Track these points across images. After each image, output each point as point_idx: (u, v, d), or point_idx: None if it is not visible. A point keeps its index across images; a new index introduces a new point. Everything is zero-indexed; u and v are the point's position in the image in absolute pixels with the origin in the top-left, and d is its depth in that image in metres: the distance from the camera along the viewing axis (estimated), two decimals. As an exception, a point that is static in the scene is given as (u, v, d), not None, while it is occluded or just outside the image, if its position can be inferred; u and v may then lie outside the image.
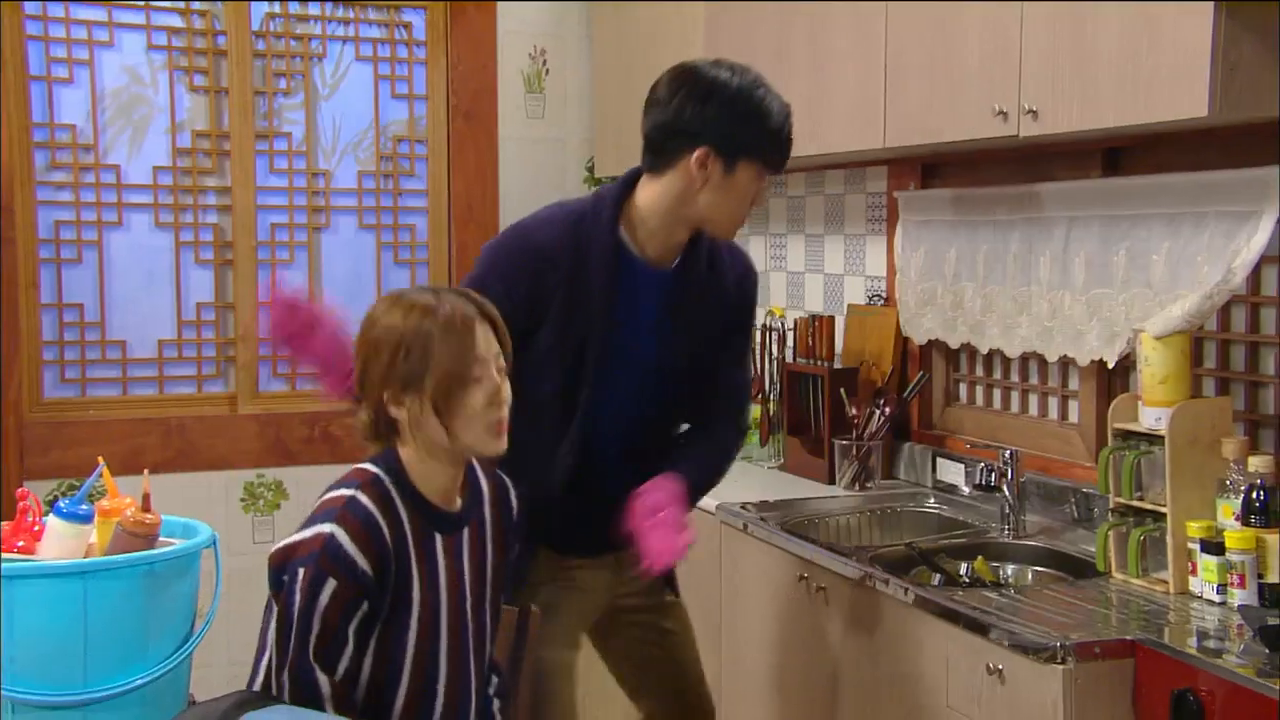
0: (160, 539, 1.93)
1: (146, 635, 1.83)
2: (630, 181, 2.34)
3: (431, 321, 1.91)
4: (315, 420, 4.17)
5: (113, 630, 1.80)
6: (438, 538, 1.96)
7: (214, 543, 1.95)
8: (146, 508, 1.91)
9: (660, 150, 2.28)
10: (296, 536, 1.85)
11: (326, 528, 1.83)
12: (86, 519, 1.88)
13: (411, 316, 1.91)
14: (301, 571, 1.82)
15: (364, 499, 1.87)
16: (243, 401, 4.17)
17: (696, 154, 2.24)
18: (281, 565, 1.85)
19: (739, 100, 2.28)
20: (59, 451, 3.92)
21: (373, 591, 1.86)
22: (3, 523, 1.99)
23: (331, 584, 1.81)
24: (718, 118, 2.25)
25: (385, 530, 1.87)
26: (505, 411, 1.96)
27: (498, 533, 2.08)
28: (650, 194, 2.30)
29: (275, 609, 1.88)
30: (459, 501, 2.01)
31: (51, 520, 1.88)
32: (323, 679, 1.83)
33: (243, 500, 4.14)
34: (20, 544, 1.91)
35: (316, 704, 1.82)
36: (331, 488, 1.92)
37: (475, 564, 2.02)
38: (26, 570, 1.79)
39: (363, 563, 1.84)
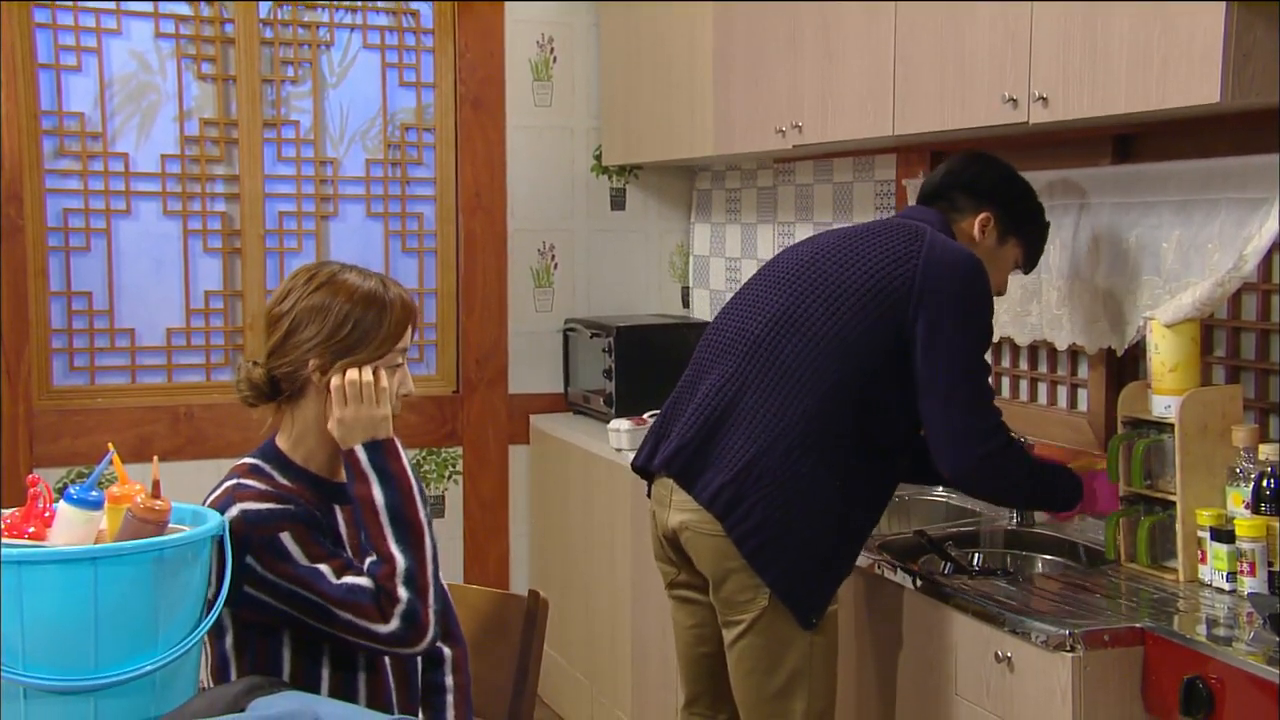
0: (170, 526, 1.93)
1: (157, 621, 1.83)
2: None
3: (383, 300, 1.96)
4: (323, 408, 4.17)
5: (123, 616, 1.80)
6: (337, 510, 2.01)
7: (224, 530, 1.95)
8: (156, 494, 1.91)
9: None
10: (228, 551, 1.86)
11: (233, 512, 1.88)
12: (97, 505, 1.87)
13: (363, 291, 1.95)
14: (252, 558, 1.86)
15: (247, 481, 1.93)
16: (251, 389, 4.17)
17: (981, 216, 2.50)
18: (234, 580, 1.86)
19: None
20: (69, 439, 3.93)
21: (313, 518, 1.91)
22: (14, 509, 1.99)
23: (285, 535, 1.87)
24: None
25: (281, 492, 1.92)
26: (397, 406, 1.99)
27: None
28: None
29: (225, 629, 1.94)
30: (344, 473, 2.02)
31: (62, 507, 1.88)
32: (362, 580, 1.88)
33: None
34: (31, 530, 1.91)
35: (381, 596, 1.86)
36: (212, 492, 1.96)
37: None
38: (37, 556, 1.79)
39: (282, 506, 1.89)
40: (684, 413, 2.45)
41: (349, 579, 1.88)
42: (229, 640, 1.96)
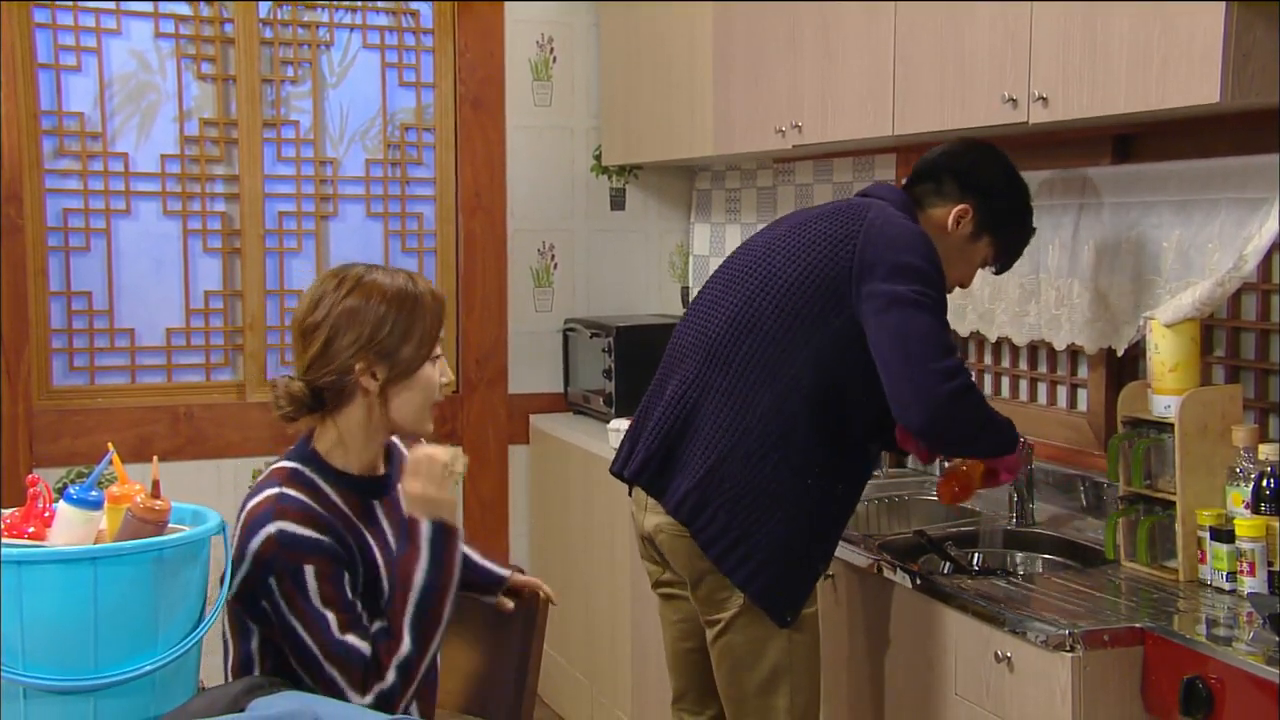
0: (169, 525, 1.93)
1: (156, 621, 1.83)
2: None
3: (415, 296, 1.96)
4: (323, 408, 4.17)
5: (123, 616, 1.80)
6: (375, 504, 2.00)
7: (223, 530, 1.95)
8: (156, 494, 1.91)
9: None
10: (246, 558, 1.87)
11: (271, 528, 1.86)
12: (97, 505, 1.87)
13: (394, 289, 1.95)
14: (274, 580, 1.85)
15: (290, 491, 1.91)
16: (251, 389, 4.17)
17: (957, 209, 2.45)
18: (252, 590, 1.87)
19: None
20: (68, 439, 3.93)
21: (342, 557, 1.89)
22: (13, 509, 1.99)
23: (309, 569, 1.85)
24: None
25: (321, 510, 1.91)
26: (441, 395, 2.01)
27: None
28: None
29: (250, 630, 1.93)
30: (383, 466, 2.04)
31: (62, 506, 1.88)
32: (361, 644, 1.87)
33: (251, 488, 4.15)
34: (31, 530, 1.91)
35: (371, 670, 1.86)
36: (250, 496, 1.94)
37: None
38: (36, 556, 1.80)
39: (318, 536, 1.87)
40: (651, 418, 2.46)
41: (350, 638, 1.87)
42: (254, 642, 1.95)
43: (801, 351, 2.30)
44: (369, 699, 1.86)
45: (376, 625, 1.91)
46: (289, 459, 1.99)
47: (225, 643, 2.00)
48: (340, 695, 1.86)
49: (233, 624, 1.96)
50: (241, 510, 1.94)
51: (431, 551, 1.92)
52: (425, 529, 1.93)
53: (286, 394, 1.96)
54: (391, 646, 1.89)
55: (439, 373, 2.00)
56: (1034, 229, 2.57)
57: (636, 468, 2.45)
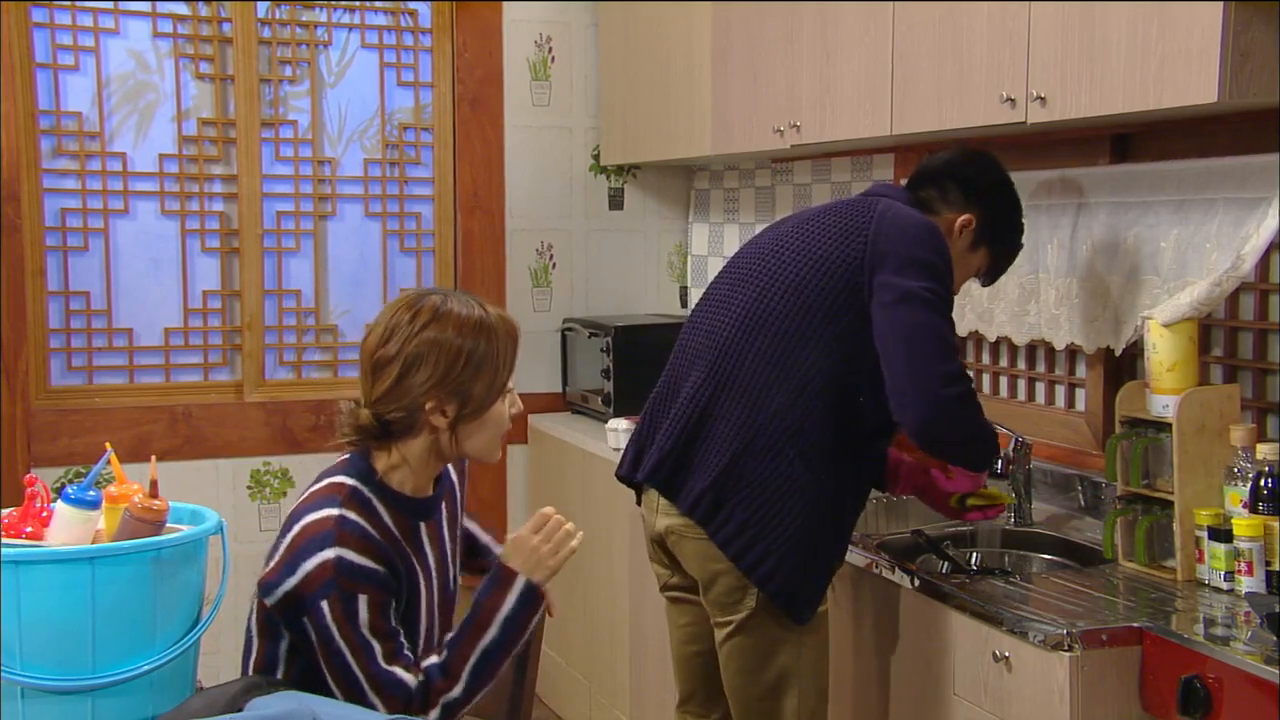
0: (167, 525, 1.93)
1: (154, 621, 1.83)
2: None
3: (489, 332, 1.92)
4: (321, 408, 4.17)
5: (121, 616, 1.80)
6: (422, 527, 1.99)
7: (221, 529, 1.95)
8: (154, 494, 1.91)
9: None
10: (298, 575, 1.84)
11: (330, 554, 1.83)
12: (95, 505, 1.87)
13: (471, 322, 1.90)
14: (326, 604, 1.82)
15: (351, 515, 1.88)
16: (249, 389, 4.17)
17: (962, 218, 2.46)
18: (297, 605, 1.85)
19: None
20: (66, 439, 3.93)
21: (393, 586, 1.88)
22: (11, 509, 1.99)
23: (363, 599, 1.83)
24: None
25: (378, 535, 1.89)
26: (510, 425, 2.00)
27: (453, 504, 2.11)
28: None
29: (281, 633, 1.92)
30: (431, 488, 2.02)
31: (59, 506, 1.88)
32: (406, 676, 1.86)
33: (249, 488, 4.15)
34: (29, 530, 1.91)
35: (414, 701, 1.85)
36: (309, 509, 1.90)
37: (450, 538, 2.07)
38: (34, 556, 1.80)
39: (375, 566, 1.85)
40: (663, 421, 2.45)
41: (396, 669, 1.86)
42: (284, 645, 1.93)
43: (814, 346, 2.30)
44: (393, 708, 1.85)
45: (433, 660, 1.90)
46: (348, 475, 1.94)
47: (249, 639, 1.98)
48: (365, 703, 1.85)
49: (262, 624, 1.94)
50: (294, 521, 1.90)
51: (517, 606, 1.91)
52: (520, 584, 1.92)
53: (353, 423, 1.93)
54: (445, 686, 1.88)
55: (509, 405, 1.97)
56: (1023, 245, 2.58)
57: (650, 469, 2.43)
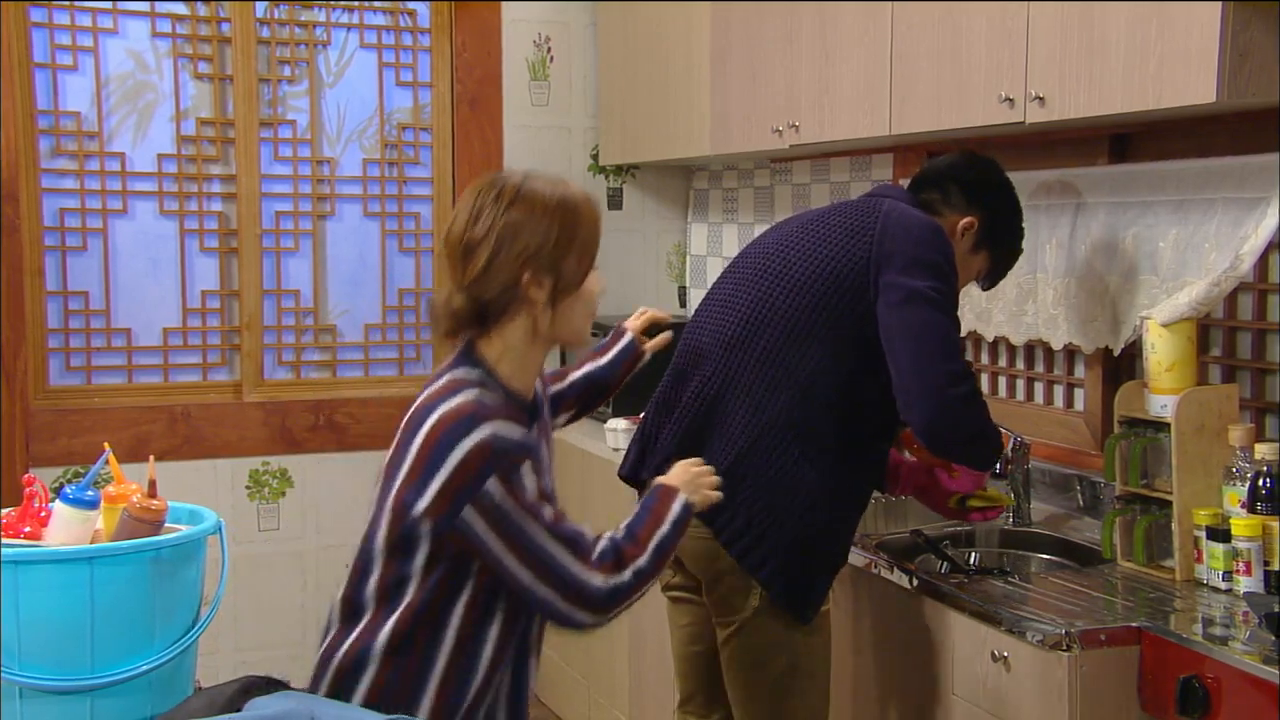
0: (166, 525, 1.93)
1: (153, 621, 1.83)
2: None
3: (575, 208, 1.91)
4: (320, 408, 4.17)
5: (119, 616, 1.80)
6: (534, 426, 1.93)
7: (220, 529, 1.95)
8: (152, 494, 1.91)
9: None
10: (449, 467, 1.75)
11: (483, 432, 1.76)
12: (93, 505, 1.88)
13: (557, 198, 1.89)
14: (492, 484, 1.75)
15: (484, 396, 1.82)
16: (248, 389, 4.17)
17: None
18: (456, 497, 1.75)
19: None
20: (65, 439, 3.93)
21: (542, 455, 1.87)
22: (10, 509, 1.99)
23: (525, 468, 1.79)
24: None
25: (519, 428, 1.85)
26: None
27: (550, 449, 2.06)
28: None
29: (417, 547, 1.80)
30: (532, 393, 1.97)
31: (58, 506, 1.89)
32: (583, 528, 1.83)
33: (248, 488, 4.15)
34: (27, 530, 1.91)
35: (609, 559, 1.83)
36: (435, 405, 1.81)
37: (550, 477, 2.00)
38: (33, 556, 1.80)
39: (528, 438, 1.82)
40: (668, 421, 2.46)
41: (569, 524, 1.83)
42: (419, 559, 1.80)
43: (819, 346, 2.30)
44: (598, 579, 1.81)
45: (609, 535, 1.88)
46: (462, 367, 1.89)
47: (368, 564, 1.84)
48: (559, 580, 1.79)
49: (394, 543, 1.81)
50: (420, 422, 1.80)
51: (680, 514, 1.93)
52: (682, 498, 1.95)
53: (447, 310, 1.89)
54: (635, 552, 1.86)
55: (598, 282, 1.97)
56: (1022, 249, 2.59)
57: (655, 468, 2.42)
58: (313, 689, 1.82)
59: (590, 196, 1.95)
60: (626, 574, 1.85)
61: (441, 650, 1.80)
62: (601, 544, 1.85)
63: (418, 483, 1.77)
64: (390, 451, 1.84)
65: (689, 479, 1.99)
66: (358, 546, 1.87)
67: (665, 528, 1.91)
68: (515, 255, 1.86)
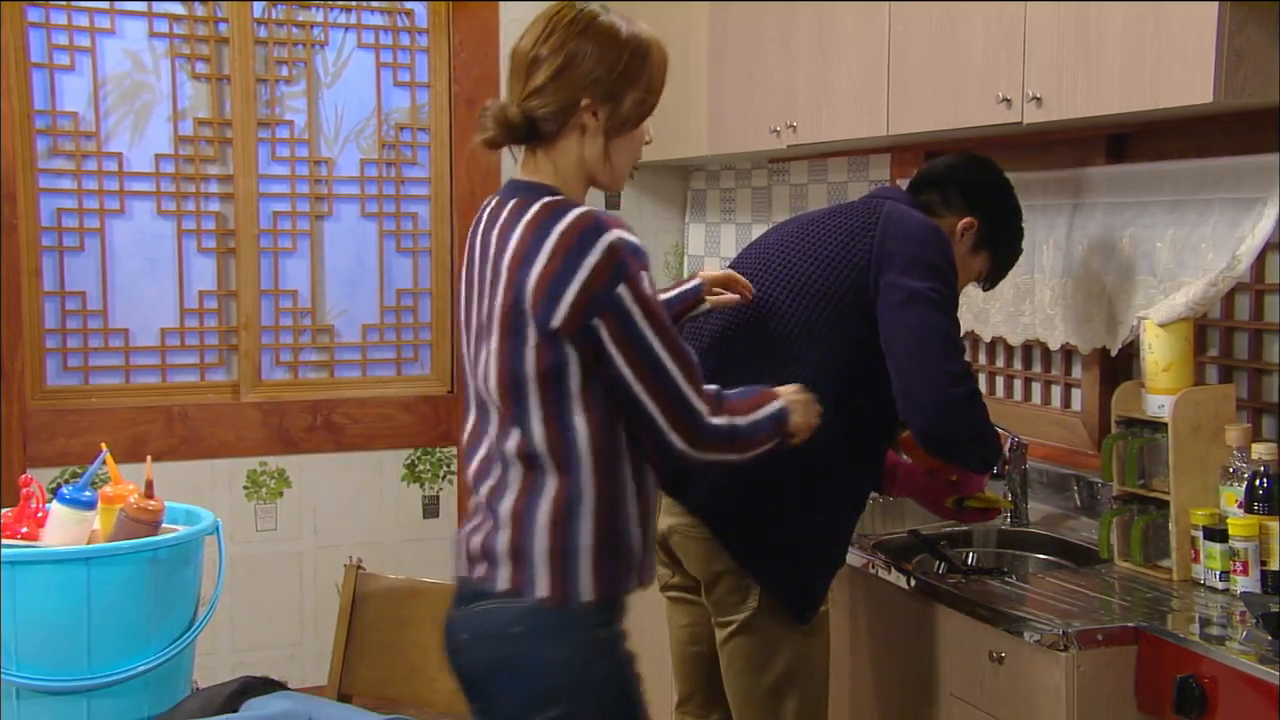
0: (163, 526, 1.93)
1: (150, 622, 1.83)
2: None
3: (646, 47, 1.90)
4: (318, 408, 4.17)
5: (116, 616, 1.80)
6: None
7: (217, 530, 1.95)
8: (150, 494, 1.91)
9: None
10: (582, 273, 1.74)
11: (611, 235, 1.77)
12: (90, 505, 1.88)
13: (628, 33, 1.88)
14: (624, 287, 1.74)
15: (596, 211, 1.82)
16: (245, 389, 4.17)
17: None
18: (590, 305, 1.74)
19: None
20: (62, 439, 3.93)
21: None
22: (7, 509, 1.99)
23: (645, 275, 1.78)
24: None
25: None
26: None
27: None
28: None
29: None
30: None
31: (55, 507, 1.89)
32: (702, 405, 1.80)
33: (246, 488, 4.15)
34: (24, 530, 1.91)
35: (712, 402, 1.81)
36: (550, 220, 1.81)
37: None
38: (30, 556, 1.80)
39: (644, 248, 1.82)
40: None
41: (688, 348, 1.81)
42: (574, 380, 1.77)
43: (819, 346, 2.30)
44: (705, 409, 1.79)
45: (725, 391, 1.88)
46: (541, 196, 1.89)
47: (514, 405, 1.79)
48: (670, 398, 1.76)
49: (543, 371, 1.77)
50: (541, 242, 1.79)
51: (779, 411, 1.93)
52: (783, 401, 1.94)
53: (499, 118, 1.89)
54: (737, 409, 1.85)
55: (647, 131, 1.96)
56: (1022, 250, 2.59)
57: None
58: (516, 552, 1.75)
59: (661, 43, 1.93)
60: (724, 421, 1.84)
61: (625, 465, 1.80)
62: (711, 385, 1.84)
63: (550, 293, 1.75)
64: (496, 298, 1.83)
65: (800, 399, 1.99)
66: (472, 401, 1.86)
67: (761, 414, 1.90)
68: (579, 78, 1.85)
